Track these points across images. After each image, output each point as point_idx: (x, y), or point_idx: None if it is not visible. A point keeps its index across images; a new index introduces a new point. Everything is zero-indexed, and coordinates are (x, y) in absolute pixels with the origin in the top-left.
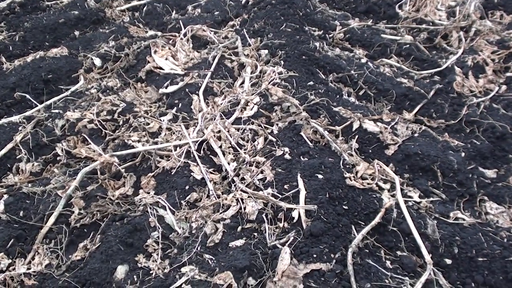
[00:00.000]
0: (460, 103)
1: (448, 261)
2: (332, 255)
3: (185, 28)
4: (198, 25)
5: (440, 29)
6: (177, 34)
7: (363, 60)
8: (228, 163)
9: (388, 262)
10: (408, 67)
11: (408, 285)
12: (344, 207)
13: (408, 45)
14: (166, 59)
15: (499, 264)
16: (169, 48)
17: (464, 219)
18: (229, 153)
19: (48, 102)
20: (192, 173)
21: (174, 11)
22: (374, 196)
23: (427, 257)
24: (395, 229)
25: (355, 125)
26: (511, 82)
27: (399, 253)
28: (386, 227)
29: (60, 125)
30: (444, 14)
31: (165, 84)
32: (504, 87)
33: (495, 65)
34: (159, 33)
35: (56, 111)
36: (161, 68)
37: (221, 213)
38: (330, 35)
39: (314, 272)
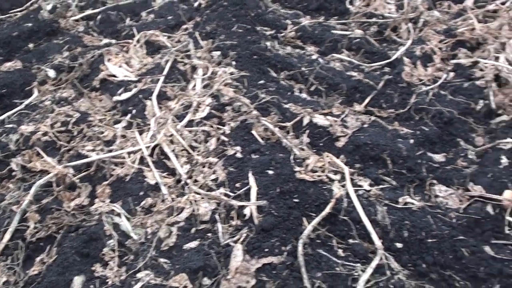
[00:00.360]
0: (409, 92)
1: (399, 245)
2: (283, 248)
3: (138, 34)
4: (151, 31)
5: (390, 22)
6: (130, 41)
7: (314, 57)
8: (181, 166)
9: (340, 251)
10: (358, 61)
11: (359, 271)
12: (294, 200)
13: (358, 39)
14: (120, 66)
15: (448, 244)
16: (123, 55)
17: (413, 203)
18: (182, 156)
19: (1, 118)
20: (146, 179)
21: (128, 18)
22: (325, 187)
23: (378, 242)
24: (346, 218)
25: (306, 120)
26: (458, 68)
27: (350, 241)
28: (337, 216)
29: (14, 140)
30: (394, 7)
31: (119, 92)
32: (452, 74)
33: (442, 53)
34: (113, 41)
35: (10, 125)
36: (115, 76)
37: (175, 216)
38: (282, 34)
39: (266, 266)
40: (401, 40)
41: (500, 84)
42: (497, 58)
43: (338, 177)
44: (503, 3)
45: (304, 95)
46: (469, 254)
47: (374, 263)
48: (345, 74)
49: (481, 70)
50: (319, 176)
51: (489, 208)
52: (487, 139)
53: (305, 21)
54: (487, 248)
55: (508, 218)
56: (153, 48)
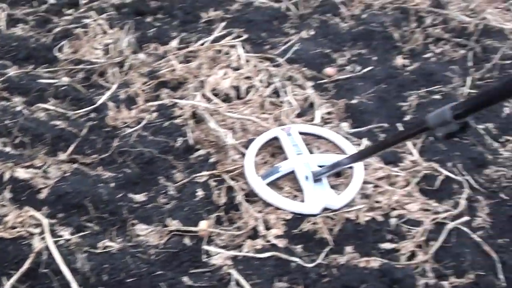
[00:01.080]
0: (113, 135)
1: None
2: None
3: None
4: None
5: (97, 67)
6: None
7: (19, 108)
8: None
9: None
10: (64, 109)
11: None
12: None
13: (65, 87)
14: None
15: (147, 280)
16: None
17: (112, 246)
18: None
19: None
20: None
21: None
22: (24, 243)
23: None
24: (46, 270)
25: (7, 175)
26: (161, 109)
27: None
28: (37, 271)
29: None
30: (102, 52)
31: None
32: (154, 115)
33: (146, 95)
34: None
35: None
36: None
37: None
38: None
39: None
40: (108, 84)
41: (197, 121)
42: (195, 96)
43: (38, 230)
44: (202, 44)
45: (8, 149)
46: (167, 287)
47: None
48: (50, 124)
49: (181, 108)
50: (18, 232)
51: (187, 240)
52: (186, 174)
53: (12, 71)
54: (185, 279)
55: (204, 247)
56: None
